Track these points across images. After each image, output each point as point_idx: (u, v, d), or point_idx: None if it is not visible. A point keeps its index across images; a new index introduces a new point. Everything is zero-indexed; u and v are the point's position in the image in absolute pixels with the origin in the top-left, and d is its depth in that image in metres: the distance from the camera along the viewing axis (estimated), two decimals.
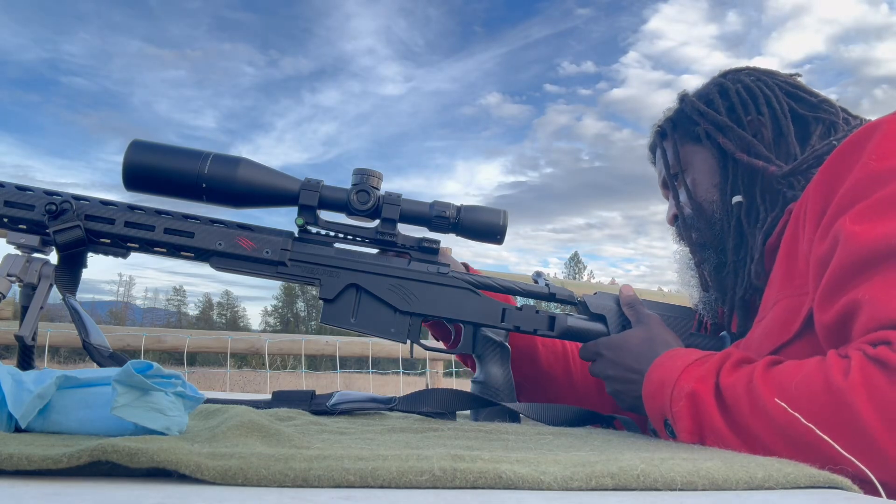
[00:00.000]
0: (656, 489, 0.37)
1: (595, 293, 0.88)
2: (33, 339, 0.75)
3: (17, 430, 0.47)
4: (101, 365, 0.74)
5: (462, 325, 0.84)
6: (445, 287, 0.83)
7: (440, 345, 0.92)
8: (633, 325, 0.84)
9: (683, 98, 0.95)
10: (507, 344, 0.85)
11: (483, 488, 0.36)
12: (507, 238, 0.85)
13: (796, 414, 0.53)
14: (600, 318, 0.86)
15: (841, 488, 0.40)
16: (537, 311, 0.85)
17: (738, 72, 0.94)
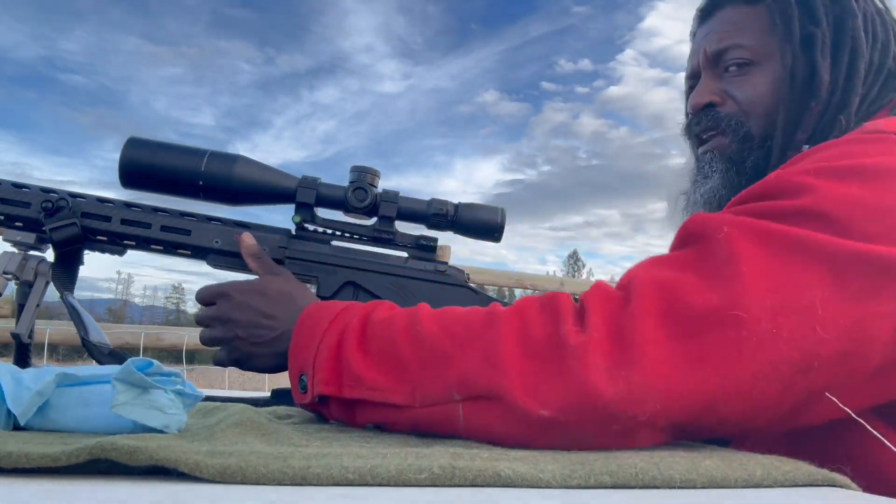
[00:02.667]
0: (655, 487, 0.37)
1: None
2: (30, 336, 0.75)
3: (16, 428, 0.47)
4: (100, 362, 0.74)
5: None
6: (443, 285, 0.82)
7: None
8: (263, 275, 0.75)
9: None
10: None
11: (482, 486, 0.36)
12: (505, 236, 0.85)
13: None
14: None
15: (840, 486, 0.40)
16: None
17: None
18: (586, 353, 0.44)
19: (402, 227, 0.83)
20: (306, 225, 0.82)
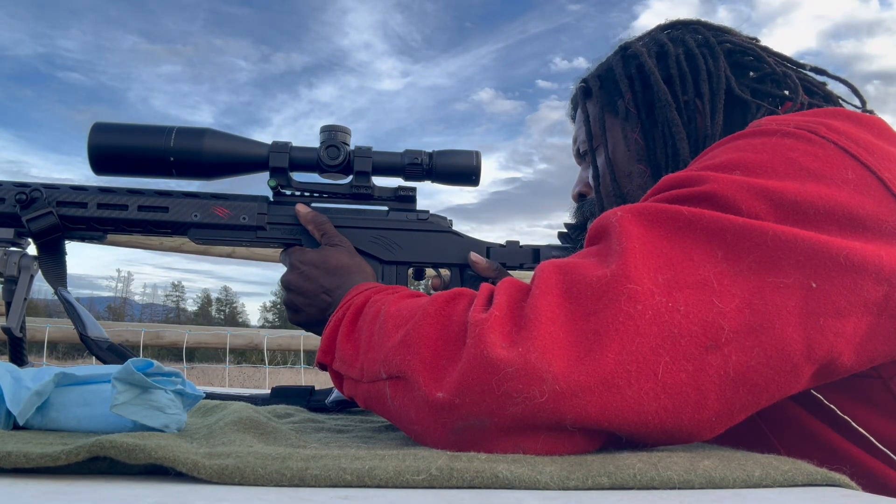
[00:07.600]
0: (653, 488, 0.37)
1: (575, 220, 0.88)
2: (21, 330, 0.75)
3: (16, 427, 0.47)
4: (99, 357, 0.74)
5: (449, 270, 0.84)
6: (427, 233, 0.83)
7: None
8: (325, 244, 0.78)
9: (624, 56, 0.78)
10: (494, 283, 0.84)
11: (480, 488, 0.36)
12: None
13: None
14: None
15: (839, 486, 0.40)
16: (521, 246, 0.86)
17: (686, 26, 0.78)
18: (484, 330, 0.44)
19: (379, 181, 0.83)
20: (283, 190, 0.82)
